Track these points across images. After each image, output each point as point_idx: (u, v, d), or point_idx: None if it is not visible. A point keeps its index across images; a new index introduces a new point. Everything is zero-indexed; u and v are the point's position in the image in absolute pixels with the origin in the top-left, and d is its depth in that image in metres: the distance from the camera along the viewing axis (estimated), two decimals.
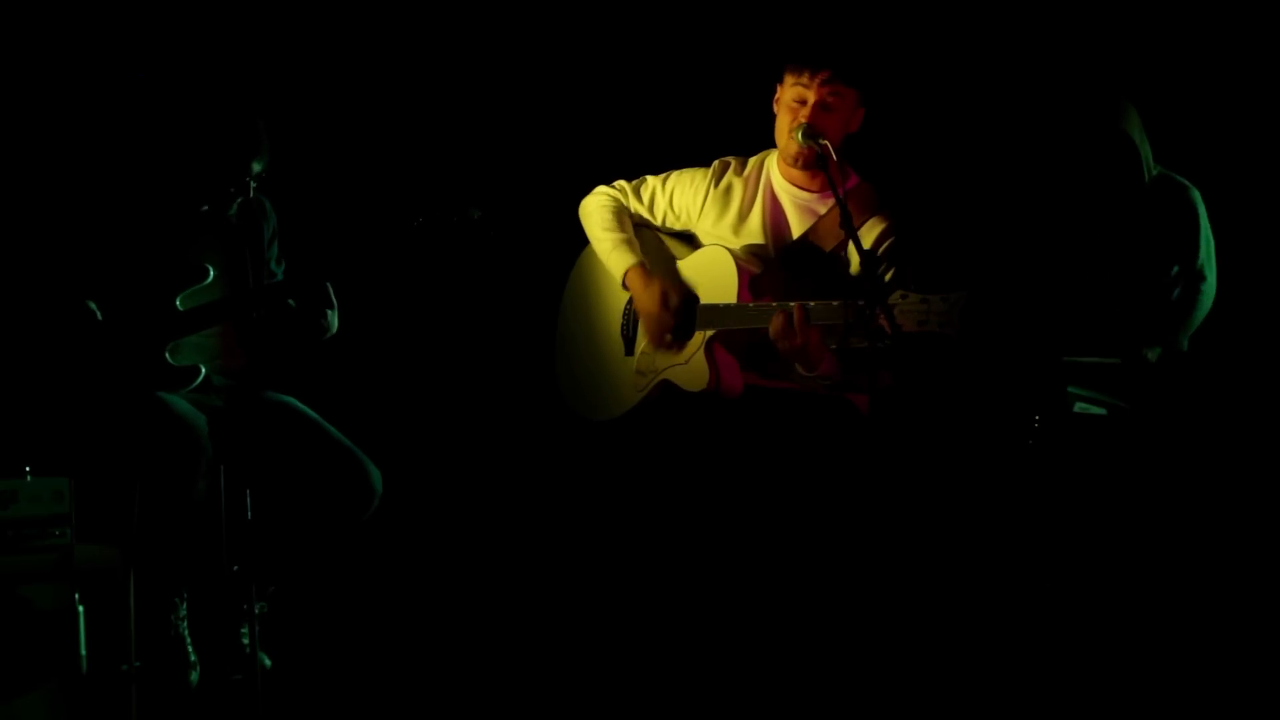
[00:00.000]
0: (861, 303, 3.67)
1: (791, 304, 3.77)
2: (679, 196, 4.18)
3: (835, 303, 3.75)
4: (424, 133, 4.93)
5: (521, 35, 4.94)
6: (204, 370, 3.90)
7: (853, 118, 4.00)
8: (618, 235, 4.15)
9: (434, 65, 4.93)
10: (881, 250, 3.99)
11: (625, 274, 4.12)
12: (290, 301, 3.94)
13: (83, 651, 3.49)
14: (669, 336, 4.05)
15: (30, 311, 3.85)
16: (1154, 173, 4.21)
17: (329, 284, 3.96)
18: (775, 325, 3.78)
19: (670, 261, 4.18)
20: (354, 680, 4.07)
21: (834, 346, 3.81)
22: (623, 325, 4.22)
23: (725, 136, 4.31)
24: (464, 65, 4.95)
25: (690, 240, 4.20)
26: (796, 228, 4.07)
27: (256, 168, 3.90)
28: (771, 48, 4.22)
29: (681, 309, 4.06)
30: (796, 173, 4.07)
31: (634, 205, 4.22)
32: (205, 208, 3.96)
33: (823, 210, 4.04)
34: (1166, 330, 4.11)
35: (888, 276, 3.95)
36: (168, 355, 3.87)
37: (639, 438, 4.12)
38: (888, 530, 3.97)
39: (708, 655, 3.94)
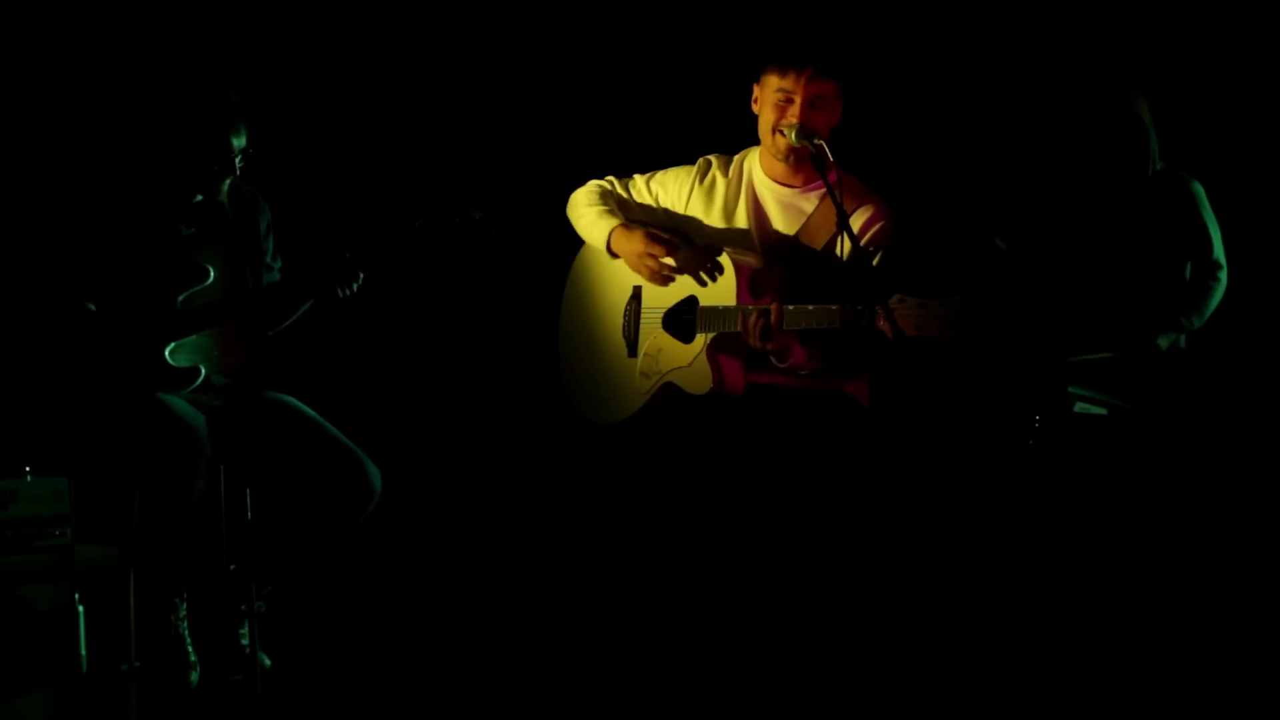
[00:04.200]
0: (861, 306, 3.69)
1: (770, 307, 3.81)
2: (664, 194, 4.19)
3: (812, 307, 3.76)
4: (425, 134, 4.93)
5: (520, 36, 4.94)
6: (204, 371, 3.90)
7: (836, 110, 4.01)
8: (600, 208, 4.17)
9: (435, 67, 4.93)
10: (868, 238, 3.99)
11: (610, 237, 4.13)
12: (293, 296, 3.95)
13: (83, 651, 3.48)
14: (672, 262, 4.05)
15: (30, 312, 3.84)
16: (1158, 166, 4.21)
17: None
18: (743, 324, 3.82)
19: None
20: (354, 680, 4.07)
21: (811, 325, 3.82)
22: (624, 326, 4.21)
23: (718, 135, 4.30)
24: (464, 67, 4.96)
25: (685, 238, 4.20)
26: (779, 224, 4.08)
27: (238, 143, 3.88)
28: (749, 47, 4.22)
29: (675, 245, 4.07)
30: (779, 169, 4.08)
31: (621, 198, 4.23)
32: (200, 197, 3.94)
33: (806, 206, 4.05)
34: (1178, 313, 4.11)
35: (875, 260, 3.96)
36: (167, 356, 3.87)
37: (644, 438, 4.12)
38: (889, 529, 3.97)
39: (714, 655, 3.94)
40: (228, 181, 3.92)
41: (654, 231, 4.08)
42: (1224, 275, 4.17)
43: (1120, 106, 4.15)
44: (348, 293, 3.97)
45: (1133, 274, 4.14)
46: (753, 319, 3.83)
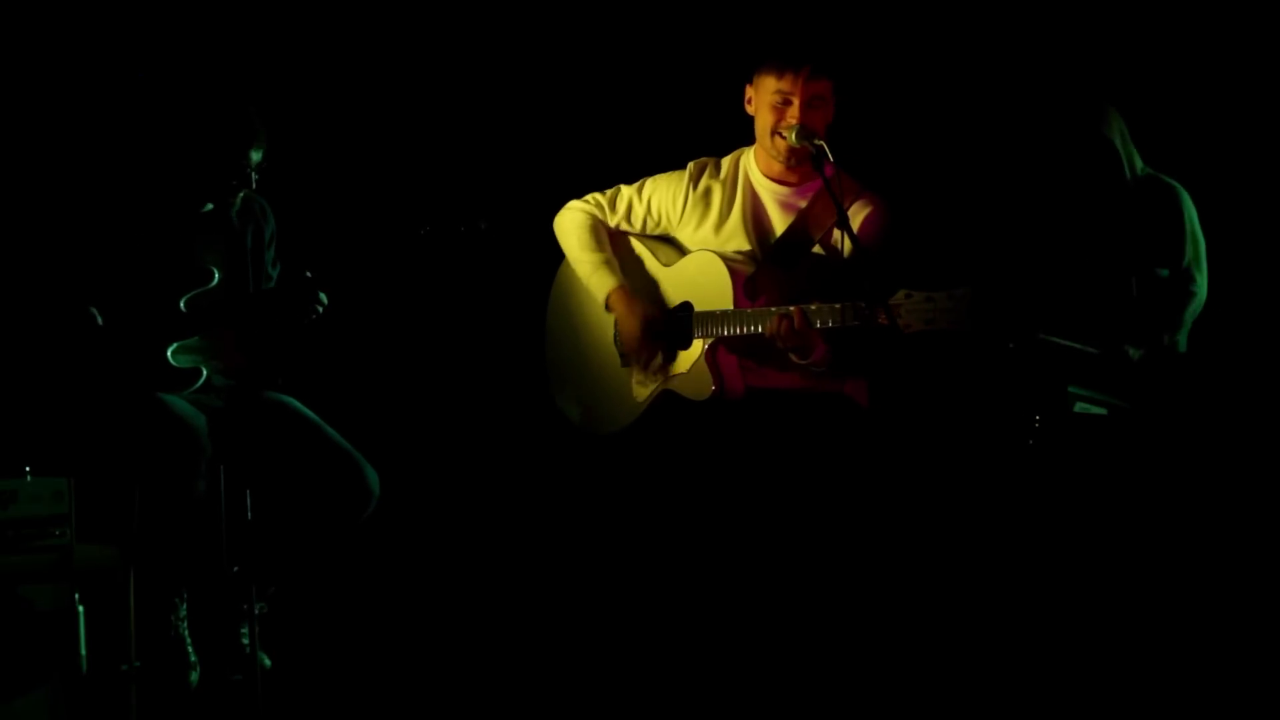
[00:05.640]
0: (863, 304, 3.68)
1: (791, 308, 3.78)
2: (657, 202, 4.16)
3: (837, 305, 3.75)
4: (433, 142, 4.93)
5: (529, 44, 4.95)
6: (205, 372, 3.90)
7: (831, 109, 3.99)
8: (597, 256, 4.15)
9: (443, 75, 4.94)
10: (865, 236, 3.97)
11: (608, 297, 4.12)
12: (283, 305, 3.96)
13: (83, 651, 3.49)
14: (653, 361, 4.06)
15: (32, 313, 3.85)
16: (1141, 174, 4.21)
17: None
18: (774, 326, 3.79)
19: (650, 280, 4.16)
20: (354, 680, 4.07)
21: (831, 324, 3.81)
22: (615, 335, 4.19)
23: (713, 136, 4.29)
24: (473, 75, 4.96)
25: (674, 244, 4.19)
26: (778, 223, 4.07)
27: (255, 157, 3.90)
28: (742, 47, 4.21)
29: (665, 330, 4.06)
30: (776, 168, 4.06)
31: (611, 219, 4.20)
32: (210, 206, 3.97)
33: (803, 204, 4.04)
34: (1152, 330, 4.11)
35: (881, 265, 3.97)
36: (169, 356, 3.87)
37: (646, 446, 4.11)
38: (889, 530, 3.97)
39: (714, 657, 3.94)
40: (241, 194, 3.94)
41: (651, 320, 4.06)
42: (1196, 287, 4.15)
43: (1088, 127, 4.15)
44: (313, 317, 3.97)
45: (1106, 276, 4.15)
46: (774, 321, 3.81)
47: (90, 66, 4.61)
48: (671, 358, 4.06)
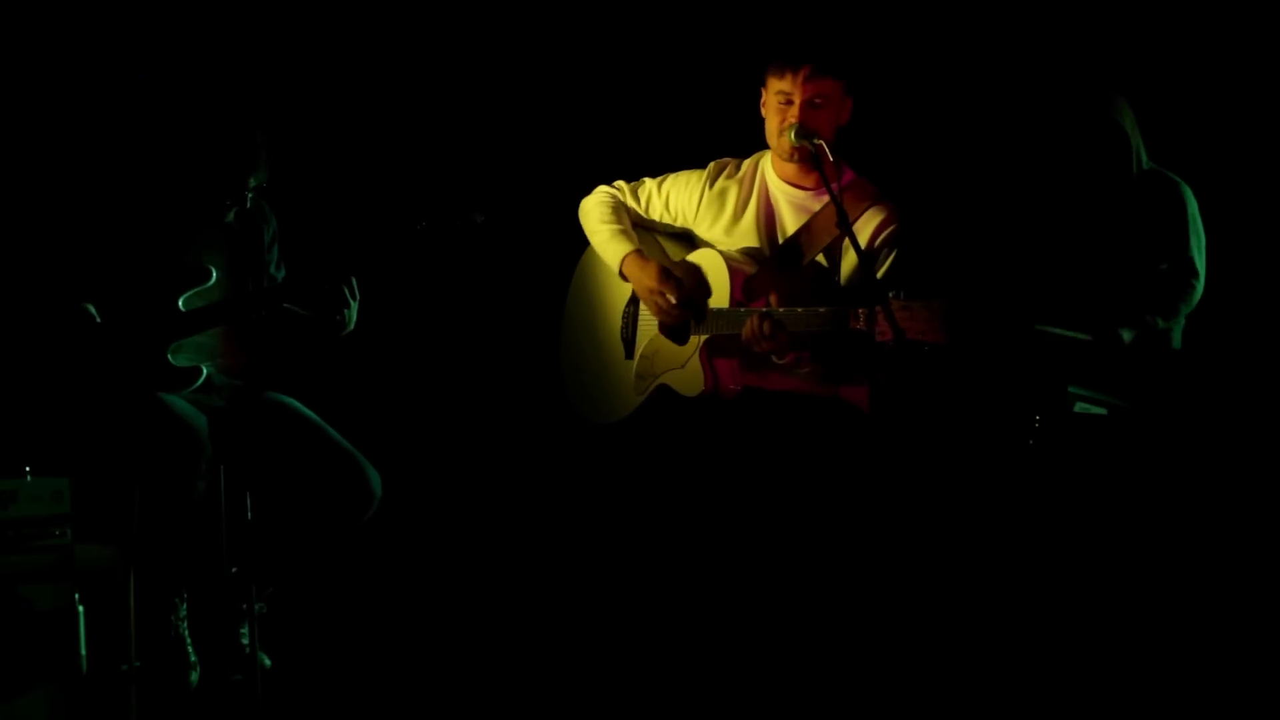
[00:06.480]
0: (839, 309, 3.69)
1: (765, 311, 3.80)
2: (675, 198, 4.18)
3: (820, 310, 3.76)
4: (428, 137, 4.93)
5: (523, 39, 4.95)
6: (205, 371, 3.90)
7: (842, 109, 4.00)
8: (614, 226, 4.16)
9: (437, 70, 4.94)
10: (880, 240, 3.99)
11: (622, 262, 4.12)
12: (290, 305, 3.94)
13: (83, 651, 3.49)
14: (676, 310, 4.03)
15: (31, 312, 3.85)
16: (1145, 167, 4.21)
17: (353, 280, 3.94)
18: (747, 329, 3.81)
19: (670, 262, 4.18)
20: (354, 680, 4.07)
21: (807, 328, 3.81)
22: (622, 328, 4.22)
23: (725, 138, 4.30)
24: (467, 70, 4.96)
25: (689, 240, 4.20)
26: (791, 226, 4.07)
27: (253, 182, 3.91)
28: (760, 48, 4.22)
29: (686, 290, 4.06)
30: (791, 171, 4.07)
31: (631, 205, 4.22)
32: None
33: (817, 208, 4.04)
34: (1144, 311, 4.11)
35: (884, 268, 3.96)
36: (169, 356, 3.87)
37: (640, 440, 4.12)
38: (888, 531, 3.97)
39: (709, 656, 3.94)
40: (233, 210, 3.95)
41: (666, 269, 4.07)
42: (1199, 282, 4.15)
43: (1101, 114, 4.16)
44: (341, 317, 3.96)
45: (1105, 265, 4.15)
46: (754, 322, 3.83)
47: (90, 66, 4.60)
48: (681, 338, 4.07)
